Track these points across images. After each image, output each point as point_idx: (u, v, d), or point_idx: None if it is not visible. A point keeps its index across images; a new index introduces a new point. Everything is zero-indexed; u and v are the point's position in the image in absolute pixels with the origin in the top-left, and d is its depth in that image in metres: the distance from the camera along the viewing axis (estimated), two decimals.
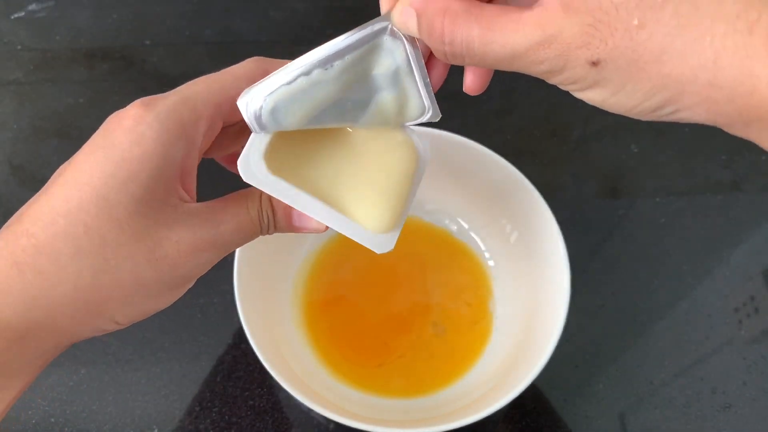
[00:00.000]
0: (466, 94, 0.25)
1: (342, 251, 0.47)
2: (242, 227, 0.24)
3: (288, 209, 0.25)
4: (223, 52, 0.58)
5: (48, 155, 0.51)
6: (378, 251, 0.26)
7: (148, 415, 0.41)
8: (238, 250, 0.38)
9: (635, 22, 0.18)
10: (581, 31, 0.18)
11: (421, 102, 0.24)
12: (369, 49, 0.22)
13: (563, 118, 0.56)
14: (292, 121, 0.22)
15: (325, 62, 0.21)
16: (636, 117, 0.21)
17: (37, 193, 0.21)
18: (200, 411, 0.41)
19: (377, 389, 0.41)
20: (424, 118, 0.25)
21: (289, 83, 0.21)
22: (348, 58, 0.22)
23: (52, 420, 0.40)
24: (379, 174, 0.26)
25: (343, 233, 0.25)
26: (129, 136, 0.20)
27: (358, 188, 0.25)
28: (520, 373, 0.36)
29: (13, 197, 0.48)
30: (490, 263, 0.46)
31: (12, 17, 0.60)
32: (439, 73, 0.25)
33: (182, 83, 0.23)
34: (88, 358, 0.43)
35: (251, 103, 0.21)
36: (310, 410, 0.41)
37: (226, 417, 0.41)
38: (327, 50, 0.21)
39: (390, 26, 0.22)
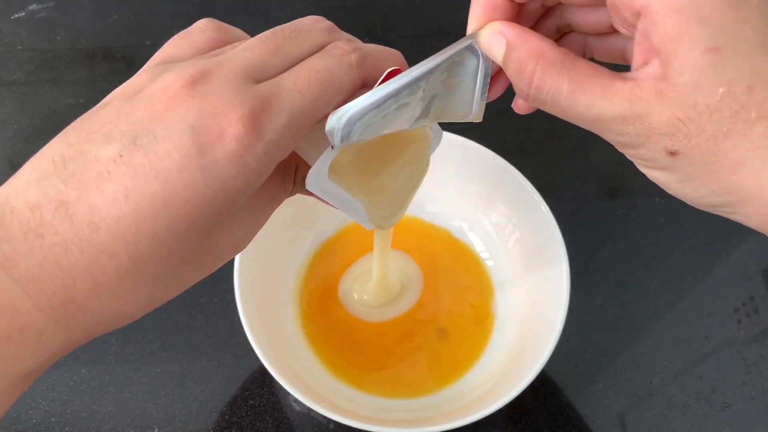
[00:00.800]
0: None
1: (346, 248, 0.47)
2: (277, 204, 0.24)
3: None
4: None
5: None
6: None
7: (148, 414, 0.41)
8: None
9: (724, 129, 0.18)
10: (669, 121, 0.18)
11: (470, 110, 0.25)
12: (449, 65, 0.22)
13: None
14: (369, 137, 0.22)
15: (414, 84, 0.21)
16: (693, 205, 0.21)
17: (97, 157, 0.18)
18: (200, 411, 0.41)
19: (377, 390, 0.41)
20: (467, 120, 0.26)
21: (377, 107, 0.21)
22: (432, 78, 0.22)
23: (53, 420, 0.40)
24: (399, 174, 0.27)
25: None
26: (233, 165, 0.18)
27: (379, 186, 0.27)
28: (519, 373, 0.36)
29: None
30: (490, 263, 0.46)
31: (12, 17, 0.60)
32: (499, 90, 0.25)
33: None
34: (89, 357, 0.43)
35: (340, 129, 0.21)
36: (310, 410, 0.41)
37: (227, 416, 0.41)
38: (417, 73, 0.21)
39: (472, 42, 0.22)
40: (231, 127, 0.18)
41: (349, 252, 0.47)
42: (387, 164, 0.27)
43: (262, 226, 0.23)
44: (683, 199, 0.21)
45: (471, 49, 0.22)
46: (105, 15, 0.61)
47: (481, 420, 0.34)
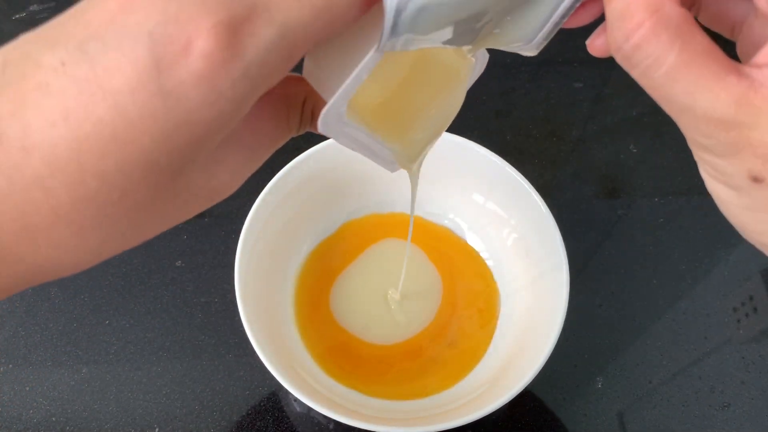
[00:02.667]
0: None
1: (346, 248, 0.47)
2: (278, 143, 0.20)
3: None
4: None
5: None
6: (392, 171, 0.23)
7: (149, 414, 0.41)
8: (238, 250, 0.38)
9: None
10: None
11: (532, 35, 0.19)
12: None
13: (563, 118, 0.57)
14: (428, 31, 0.17)
15: None
16: (743, 234, 0.19)
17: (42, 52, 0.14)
18: (201, 410, 0.41)
19: (378, 393, 0.41)
20: (520, 50, 0.21)
21: None
22: None
23: (54, 419, 0.41)
24: (433, 108, 0.23)
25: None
26: (200, 89, 0.14)
27: (408, 125, 0.22)
28: (519, 373, 0.36)
29: None
30: (490, 263, 0.46)
31: (13, 18, 0.60)
32: (582, 19, 0.20)
33: None
34: (90, 357, 0.43)
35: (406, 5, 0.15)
36: (310, 410, 0.41)
37: (227, 416, 0.41)
38: None
39: None
40: (200, 37, 0.14)
41: (350, 250, 0.47)
42: (419, 98, 0.22)
43: (254, 170, 0.19)
44: (736, 225, 0.19)
45: None
46: None
47: (480, 419, 0.34)
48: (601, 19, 0.19)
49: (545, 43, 0.20)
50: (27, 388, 0.42)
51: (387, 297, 0.44)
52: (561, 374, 0.43)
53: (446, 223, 0.48)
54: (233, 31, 0.14)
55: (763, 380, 0.43)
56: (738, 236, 0.19)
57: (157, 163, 0.15)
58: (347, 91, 0.17)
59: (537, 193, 0.41)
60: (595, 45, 0.20)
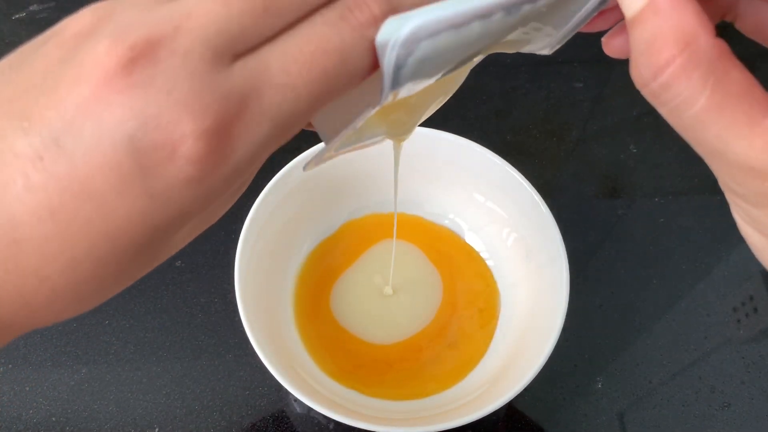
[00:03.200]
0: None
1: (346, 248, 0.47)
2: (261, 162, 0.20)
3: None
4: None
5: None
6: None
7: (149, 414, 0.41)
8: (238, 250, 0.38)
9: None
10: None
11: (551, 42, 0.18)
12: None
13: (563, 118, 0.56)
14: (431, 76, 0.16)
15: (515, 5, 0.15)
16: None
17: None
18: (201, 410, 0.41)
19: (378, 394, 0.41)
20: (535, 51, 0.19)
21: (458, 27, 0.14)
22: (541, 2, 0.15)
23: (53, 419, 0.41)
24: (433, 101, 0.21)
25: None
26: (190, 191, 0.14)
27: (408, 113, 0.21)
28: (519, 373, 0.36)
29: None
30: (490, 263, 0.46)
31: (13, 18, 0.60)
32: (599, 26, 0.18)
33: None
34: (90, 357, 0.43)
35: (397, 47, 0.14)
36: (310, 410, 0.41)
37: (227, 416, 0.41)
38: None
39: None
40: (185, 145, 0.13)
41: (350, 250, 0.47)
42: (420, 97, 0.21)
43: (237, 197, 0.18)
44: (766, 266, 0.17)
45: None
46: None
47: (480, 419, 0.34)
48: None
49: (558, 46, 0.19)
50: (27, 388, 0.42)
51: (383, 294, 0.44)
52: (561, 374, 0.43)
53: (446, 223, 0.48)
54: (225, 133, 0.13)
55: (763, 380, 0.43)
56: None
57: (150, 245, 0.15)
58: (338, 142, 0.17)
59: (537, 193, 0.41)
60: (612, 45, 0.19)
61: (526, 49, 0.19)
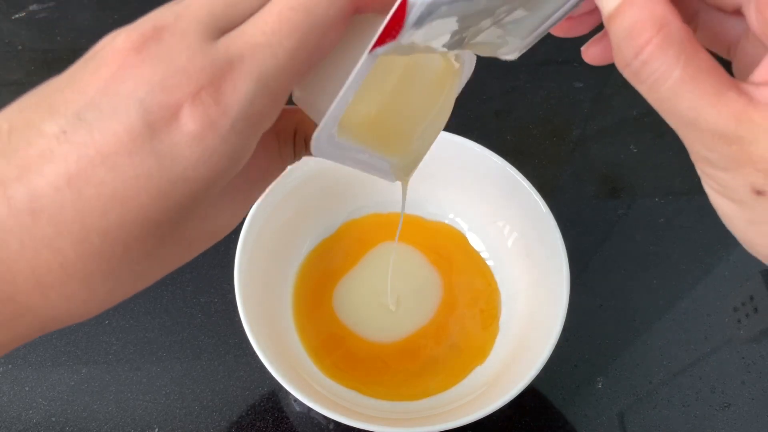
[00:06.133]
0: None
1: (346, 248, 0.47)
2: (273, 178, 0.21)
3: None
4: None
5: None
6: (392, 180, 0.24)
7: (148, 414, 0.41)
8: (238, 250, 0.38)
9: None
10: None
11: (519, 45, 0.20)
12: None
13: (563, 118, 0.56)
14: (438, 39, 0.17)
15: None
16: (750, 250, 0.19)
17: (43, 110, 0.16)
18: (201, 410, 0.41)
19: (378, 395, 0.41)
20: (501, 55, 0.21)
21: None
22: None
23: (53, 419, 0.41)
24: (424, 115, 0.23)
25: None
26: (193, 148, 0.15)
27: (401, 134, 0.22)
28: (519, 373, 0.36)
29: None
30: (490, 263, 0.46)
31: (13, 17, 0.60)
32: (579, 30, 0.21)
33: None
34: (89, 357, 0.43)
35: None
36: (310, 410, 0.41)
37: (227, 416, 0.41)
38: None
39: None
40: (187, 102, 0.15)
41: (350, 250, 0.47)
42: (411, 108, 0.22)
43: (252, 206, 0.20)
44: (740, 239, 0.19)
45: None
46: (105, 15, 0.61)
47: (480, 419, 0.34)
48: (596, 29, 0.20)
49: (525, 50, 0.21)
50: (26, 389, 0.42)
51: (387, 309, 0.44)
52: (561, 374, 0.43)
53: (446, 223, 0.48)
54: (216, 90, 0.15)
55: (763, 380, 0.43)
56: None
57: (156, 218, 0.16)
58: (339, 107, 0.18)
59: (537, 193, 0.41)
60: (590, 53, 0.21)
61: (498, 53, 0.21)
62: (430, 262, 0.46)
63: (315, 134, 0.18)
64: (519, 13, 0.19)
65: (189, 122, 0.15)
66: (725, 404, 0.43)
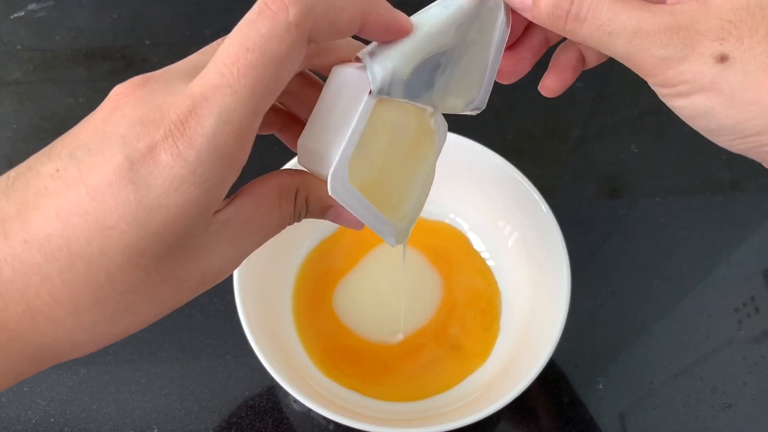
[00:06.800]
0: None
1: (346, 248, 0.47)
2: (271, 233, 0.21)
3: (325, 208, 0.23)
4: None
5: None
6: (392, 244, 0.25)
7: (148, 414, 0.41)
8: None
9: None
10: (718, 25, 0.18)
11: (477, 90, 0.23)
12: (476, 13, 0.22)
13: (563, 118, 0.56)
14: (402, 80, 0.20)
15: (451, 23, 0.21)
16: (732, 145, 0.20)
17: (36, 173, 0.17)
18: (200, 411, 0.41)
19: (378, 395, 0.41)
20: (469, 109, 0.24)
21: (419, 52, 0.20)
22: (463, 26, 0.21)
23: (52, 420, 0.40)
24: (415, 180, 0.25)
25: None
26: (165, 177, 0.16)
27: (396, 194, 0.24)
28: (520, 373, 0.36)
29: None
30: (490, 263, 0.46)
31: (12, 17, 0.60)
32: (520, 69, 0.24)
33: None
34: (88, 358, 0.43)
35: (382, 71, 0.19)
36: (310, 410, 0.41)
37: (226, 417, 0.41)
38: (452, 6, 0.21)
39: None
40: (160, 136, 0.17)
41: (349, 250, 0.46)
42: (403, 165, 0.24)
43: (245, 257, 0.21)
44: (724, 135, 0.20)
45: (490, 8, 0.22)
46: (104, 15, 0.61)
47: (481, 420, 0.34)
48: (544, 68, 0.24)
49: (486, 100, 0.24)
50: (25, 389, 0.42)
51: (394, 340, 0.44)
52: (562, 375, 0.43)
53: (447, 222, 0.48)
54: (182, 125, 0.17)
55: (764, 381, 0.43)
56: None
57: (137, 245, 0.17)
58: (348, 146, 0.19)
59: (538, 192, 0.41)
60: (546, 85, 0.25)
61: (464, 104, 0.24)
62: (431, 262, 0.46)
63: (330, 172, 0.19)
64: (458, 72, 0.22)
65: (162, 153, 0.17)
66: (726, 405, 0.42)
